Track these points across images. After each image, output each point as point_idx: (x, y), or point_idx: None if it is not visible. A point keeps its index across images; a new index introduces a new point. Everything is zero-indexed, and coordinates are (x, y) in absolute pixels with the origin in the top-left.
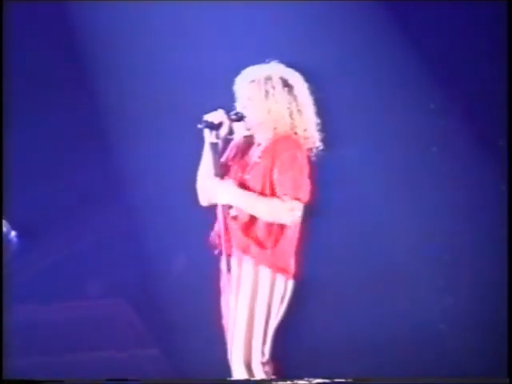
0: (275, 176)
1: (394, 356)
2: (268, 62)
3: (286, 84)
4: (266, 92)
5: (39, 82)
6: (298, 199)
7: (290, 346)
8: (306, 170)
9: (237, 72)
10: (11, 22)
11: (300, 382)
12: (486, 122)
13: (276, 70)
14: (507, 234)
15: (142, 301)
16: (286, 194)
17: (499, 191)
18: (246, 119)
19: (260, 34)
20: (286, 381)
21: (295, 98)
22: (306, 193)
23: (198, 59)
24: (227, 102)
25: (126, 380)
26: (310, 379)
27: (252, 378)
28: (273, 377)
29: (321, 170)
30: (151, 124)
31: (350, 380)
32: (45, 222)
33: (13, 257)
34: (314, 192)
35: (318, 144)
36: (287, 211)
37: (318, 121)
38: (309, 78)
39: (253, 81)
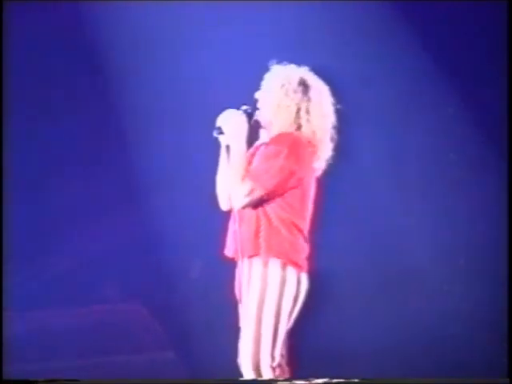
0: (258, 155)
1: (393, 356)
2: (298, 66)
3: (303, 83)
4: (282, 85)
5: (39, 82)
6: (254, 190)
7: (300, 346)
8: (287, 169)
9: (253, 73)
10: (11, 22)
11: (315, 381)
12: (486, 122)
13: (299, 71)
14: (507, 234)
15: (158, 305)
16: (248, 179)
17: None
18: (256, 115)
19: (278, 35)
20: (291, 381)
21: (309, 98)
22: (267, 187)
23: (215, 60)
24: (243, 104)
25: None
26: (312, 379)
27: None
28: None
29: (337, 171)
30: (169, 127)
31: (344, 380)
32: (59, 227)
33: (26, 260)
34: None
35: (329, 153)
36: (240, 194)
37: (333, 130)
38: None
39: (274, 76)
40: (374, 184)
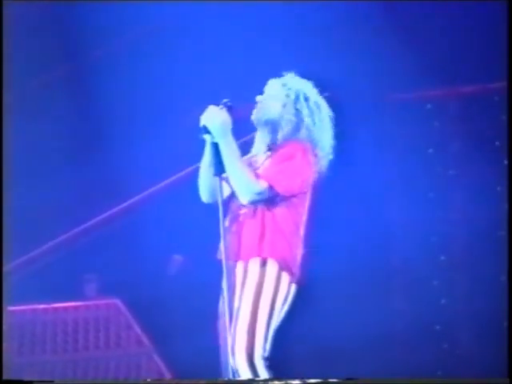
0: (267, 160)
1: (393, 356)
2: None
3: (306, 97)
4: (288, 91)
5: (39, 81)
6: (268, 189)
7: (286, 345)
8: (302, 173)
9: (240, 71)
10: (11, 22)
11: (294, 382)
12: (486, 122)
13: (306, 85)
14: (507, 234)
15: (140, 301)
16: (263, 179)
17: (498, 192)
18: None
19: (263, 38)
20: (281, 381)
21: (315, 110)
22: (282, 188)
23: (199, 59)
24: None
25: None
26: (305, 379)
27: (255, 377)
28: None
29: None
30: (152, 122)
31: (342, 380)
32: (43, 222)
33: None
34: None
35: (329, 157)
36: (252, 191)
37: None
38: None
39: (284, 84)
40: (362, 185)
